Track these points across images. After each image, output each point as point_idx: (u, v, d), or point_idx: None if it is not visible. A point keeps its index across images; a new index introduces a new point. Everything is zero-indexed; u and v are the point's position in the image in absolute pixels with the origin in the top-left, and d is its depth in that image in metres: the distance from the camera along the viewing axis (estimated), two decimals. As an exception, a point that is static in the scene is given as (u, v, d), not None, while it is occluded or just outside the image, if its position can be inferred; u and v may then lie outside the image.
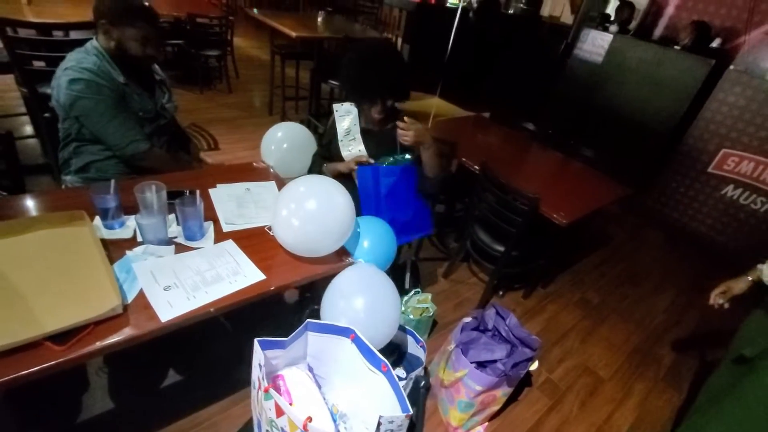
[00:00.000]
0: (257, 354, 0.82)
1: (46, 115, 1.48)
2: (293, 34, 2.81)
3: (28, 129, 2.76)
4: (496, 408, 1.54)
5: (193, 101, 4.00)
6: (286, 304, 1.57)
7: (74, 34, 2.14)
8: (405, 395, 0.74)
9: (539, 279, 2.41)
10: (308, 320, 0.85)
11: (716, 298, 1.46)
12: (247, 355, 0.88)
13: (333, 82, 3.16)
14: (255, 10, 3.60)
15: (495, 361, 1.37)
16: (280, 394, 0.83)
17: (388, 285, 1.19)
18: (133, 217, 1.21)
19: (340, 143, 1.57)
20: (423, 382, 1.08)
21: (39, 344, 0.82)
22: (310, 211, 1.11)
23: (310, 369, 0.90)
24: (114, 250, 1.09)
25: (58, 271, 0.96)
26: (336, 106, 1.59)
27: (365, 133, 1.58)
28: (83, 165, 1.47)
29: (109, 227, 1.15)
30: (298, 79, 4.07)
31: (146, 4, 1.43)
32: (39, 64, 2.14)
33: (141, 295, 0.98)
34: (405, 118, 1.42)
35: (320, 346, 0.87)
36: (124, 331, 0.89)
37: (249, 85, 4.69)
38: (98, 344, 0.85)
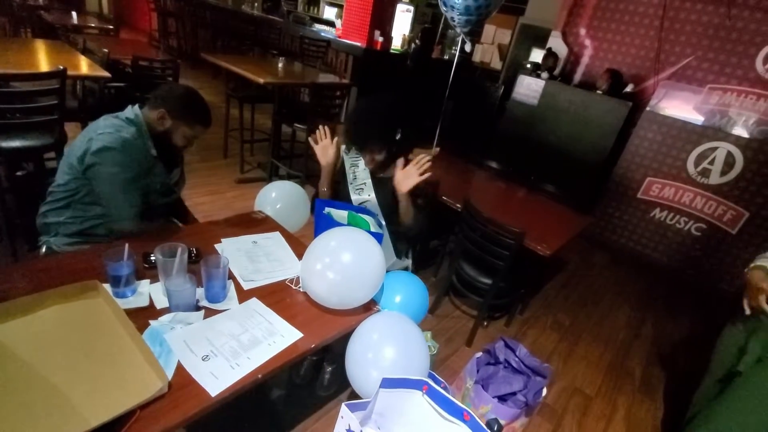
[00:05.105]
0: (347, 419, 0.79)
1: (19, 173, 1.33)
2: (260, 80, 2.81)
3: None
4: (514, 440, 1.58)
5: (139, 146, 3.76)
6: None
7: (19, 85, 1.95)
8: (498, 442, 0.75)
9: (517, 306, 2.54)
10: (383, 377, 0.83)
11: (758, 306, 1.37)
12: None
13: (298, 125, 3.18)
14: (205, 55, 3.55)
15: (515, 393, 1.42)
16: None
17: (415, 329, 1.21)
18: (143, 282, 1.12)
19: (350, 186, 1.59)
20: (496, 426, 1.09)
21: (84, 441, 0.72)
22: (345, 264, 1.11)
23: (378, 427, 0.87)
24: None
25: (83, 351, 0.86)
26: (344, 149, 1.61)
27: (372, 178, 1.61)
28: (82, 229, 1.35)
29: (121, 296, 1.05)
30: (253, 122, 4.03)
31: (209, 109, 1.47)
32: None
33: (180, 368, 0.90)
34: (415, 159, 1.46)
35: (388, 402, 0.86)
36: (175, 413, 0.81)
37: (197, 128, 4.53)
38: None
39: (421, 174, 1.44)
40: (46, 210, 1.33)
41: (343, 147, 1.61)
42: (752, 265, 1.47)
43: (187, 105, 1.39)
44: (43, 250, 1.32)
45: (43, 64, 1.98)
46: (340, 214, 1.48)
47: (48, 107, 1.87)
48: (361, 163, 1.59)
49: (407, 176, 1.45)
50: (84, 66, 2.35)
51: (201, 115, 1.42)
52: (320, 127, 1.57)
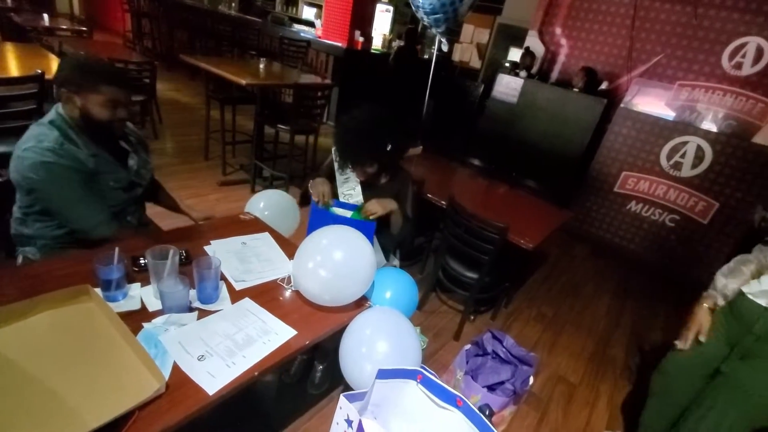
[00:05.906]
0: (346, 409, 0.81)
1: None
2: (243, 82, 2.79)
3: None
4: (503, 428, 1.63)
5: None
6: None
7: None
8: (491, 425, 0.79)
9: (502, 300, 2.60)
10: (379, 368, 0.86)
11: (693, 341, 1.46)
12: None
13: (281, 126, 3.18)
14: (185, 57, 3.50)
15: (503, 383, 1.47)
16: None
17: (406, 323, 1.24)
18: (133, 285, 1.12)
19: (339, 191, 1.61)
20: (488, 411, 1.12)
21: (84, 443, 0.72)
22: (337, 261, 1.13)
23: (374, 417, 0.90)
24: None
25: (78, 355, 0.86)
26: (335, 150, 1.62)
27: (362, 184, 1.64)
28: (57, 235, 1.32)
29: (113, 299, 1.05)
30: (234, 123, 4.00)
31: (112, 65, 1.35)
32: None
33: (176, 369, 0.91)
34: (365, 207, 1.51)
35: (384, 392, 0.88)
36: (173, 412, 0.82)
37: (174, 129, 4.46)
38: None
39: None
40: (19, 217, 1.29)
41: (334, 149, 1.62)
42: (704, 294, 1.51)
43: (77, 70, 1.21)
44: (20, 259, 1.30)
45: (19, 68, 1.93)
46: (343, 212, 1.51)
47: (25, 112, 1.83)
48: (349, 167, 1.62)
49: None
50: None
51: (97, 73, 1.22)
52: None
